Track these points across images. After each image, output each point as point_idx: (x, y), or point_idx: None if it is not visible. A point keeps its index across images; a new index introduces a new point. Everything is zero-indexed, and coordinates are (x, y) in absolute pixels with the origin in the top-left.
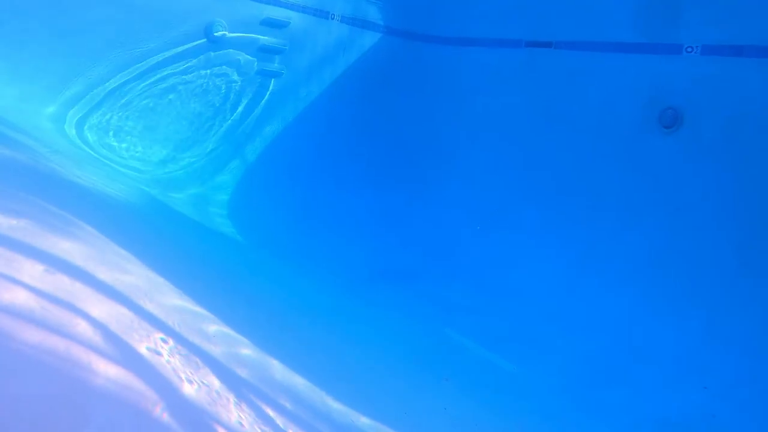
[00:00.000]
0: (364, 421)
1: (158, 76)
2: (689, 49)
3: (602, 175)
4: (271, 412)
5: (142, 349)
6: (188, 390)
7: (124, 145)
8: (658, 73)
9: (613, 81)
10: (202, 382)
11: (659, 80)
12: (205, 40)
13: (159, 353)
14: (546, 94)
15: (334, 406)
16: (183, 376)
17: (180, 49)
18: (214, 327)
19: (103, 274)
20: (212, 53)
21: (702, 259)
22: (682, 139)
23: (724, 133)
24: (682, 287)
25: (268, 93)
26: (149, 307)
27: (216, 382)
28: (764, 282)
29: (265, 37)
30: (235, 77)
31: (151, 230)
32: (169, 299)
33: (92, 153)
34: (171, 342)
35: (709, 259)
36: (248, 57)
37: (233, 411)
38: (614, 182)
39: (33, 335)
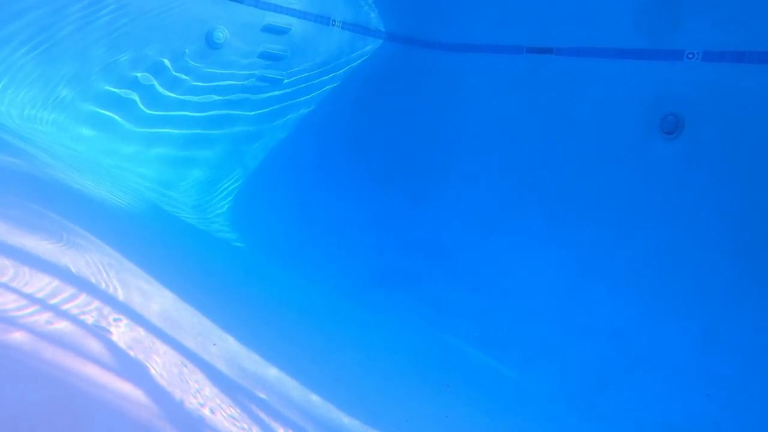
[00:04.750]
0: (364, 427)
1: (159, 83)
2: (690, 55)
3: (603, 181)
4: (270, 419)
5: (141, 357)
6: (187, 397)
7: (125, 153)
8: (659, 79)
9: (614, 87)
10: (201, 389)
11: (660, 86)
12: (206, 46)
13: (158, 360)
14: (547, 99)
15: (334, 412)
16: (182, 383)
17: (180, 55)
18: (214, 332)
19: (102, 281)
20: (213, 60)
21: (703, 265)
22: (684, 145)
23: (725, 139)
24: (684, 293)
25: (268, 99)
26: (148, 313)
27: (215, 389)
28: (767, 287)
29: (267, 44)
30: (236, 84)
31: (151, 236)
32: (168, 305)
33: (92, 159)
34: (170, 348)
35: (711, 264)
36: (249, 63)
37: (232, 417)
38: (615, 188)
39: (31, 344)
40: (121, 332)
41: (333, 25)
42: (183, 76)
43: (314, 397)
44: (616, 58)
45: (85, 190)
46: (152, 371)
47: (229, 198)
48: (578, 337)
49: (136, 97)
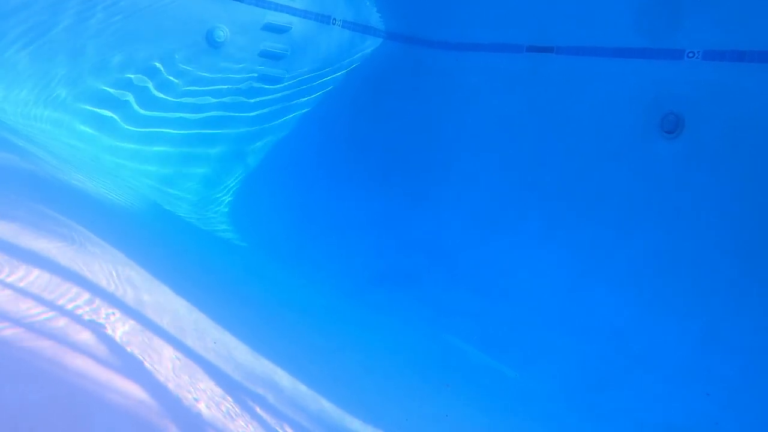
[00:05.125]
0: (364, 427)
1: (159, 81)
2: (691, 54)
3: (603, 180)
4: (270, 418)
5: (141, 355)
6: (187, 396)
7: (126, 151)
8: (659, 78)
9: (614, 86)
10: (201, 388)
11: (661, 85)
12: (206, 45)
13: (158, 359)
14: (547, 99)
15: (334, 411)
16: (182, 382)
17: (181, 54)
18: (214, 332)
19: (103, 281)
20: (213, 59)
21: (703, 264)
22: (684, 145)
23: (725, 138)
24: (684, 292)
25: (269, 98)
26: (148, 312)
27: (215, 387)
28: (767, 287)
29: (267, 43)
30: (237, 83)
31: (152, 235)
32: (168, 304)
33: (93, 158)
34: (170, 347)
35: (711, 264)
36: (250, 62)
37: (232, 416)
38: (615, 187)
39: (31, 343)
40: (122, 332)
41: (333, 24)
42: (183, 75)
43: (313, 396)
44: (617, 58)
45: (86, 190)
46: (152, 370)
47: (229, 197)
48: (578, 337)
49: (137, 96)
